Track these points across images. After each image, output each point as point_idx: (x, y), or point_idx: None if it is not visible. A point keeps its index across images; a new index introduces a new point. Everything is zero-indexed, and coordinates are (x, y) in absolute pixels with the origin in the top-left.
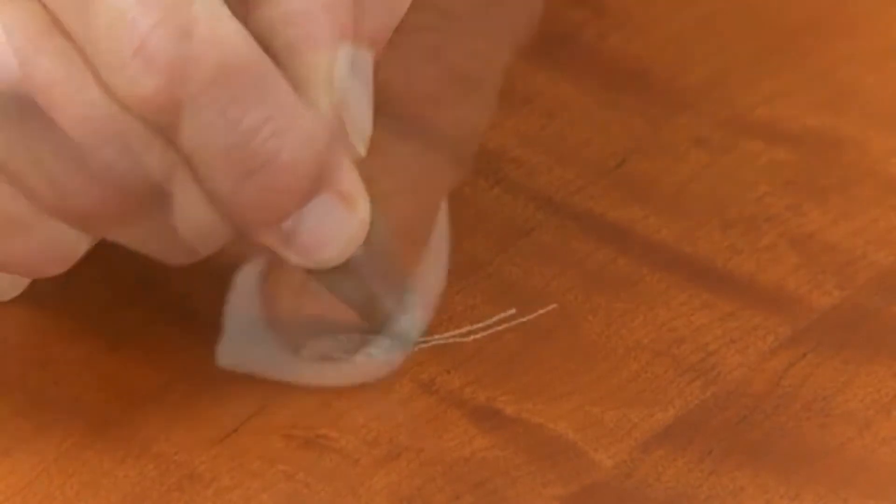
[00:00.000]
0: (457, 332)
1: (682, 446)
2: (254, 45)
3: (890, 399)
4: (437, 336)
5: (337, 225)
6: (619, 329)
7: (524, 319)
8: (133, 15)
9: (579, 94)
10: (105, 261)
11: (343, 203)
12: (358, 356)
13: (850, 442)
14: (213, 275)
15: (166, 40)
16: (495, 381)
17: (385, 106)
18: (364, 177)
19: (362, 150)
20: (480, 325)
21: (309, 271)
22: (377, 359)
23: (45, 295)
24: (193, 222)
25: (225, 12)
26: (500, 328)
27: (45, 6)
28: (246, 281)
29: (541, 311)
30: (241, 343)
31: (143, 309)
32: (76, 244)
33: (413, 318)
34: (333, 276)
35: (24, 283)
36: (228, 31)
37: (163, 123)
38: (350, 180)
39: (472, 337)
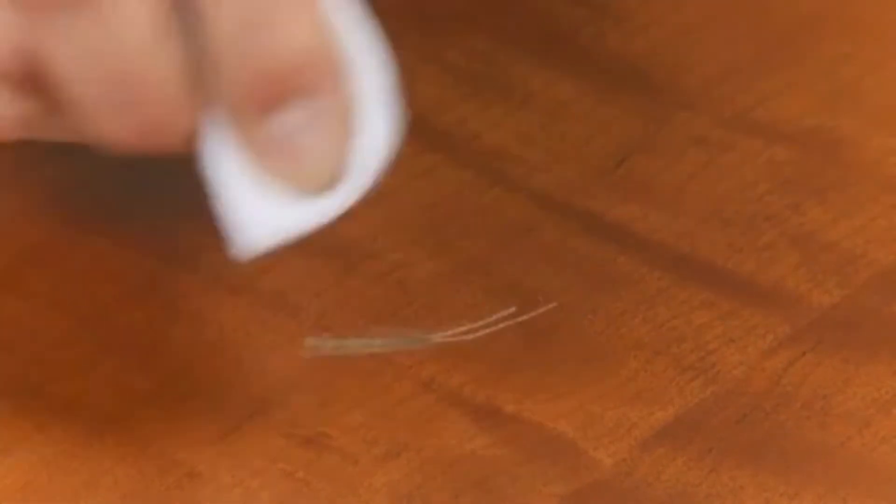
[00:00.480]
0: (457, 330)
1: (682, 445)
2: None
3: (890, 398)
4: (436, 335)
5: (314, 140)
6: (618, 328)
7: (524, 318)
8: None
9: (579, 94)
10: (105, 260)
11: (325, 121)
12: None
13: (850, 441)
14: (214, 275)
15: None
16: (495, 380)
17: None
18: None
19: None
20: (480, 323)
21: None
22: None
23: (45, 295)
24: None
25: None
26: (499, 327)
27: None
28: (219, 162)
29: (541, 310)
30: (253, 220)
31: (143, 309)
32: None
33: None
34: None
35: None
36: None
37: None
38: (341, 107)
39: (471, 336)
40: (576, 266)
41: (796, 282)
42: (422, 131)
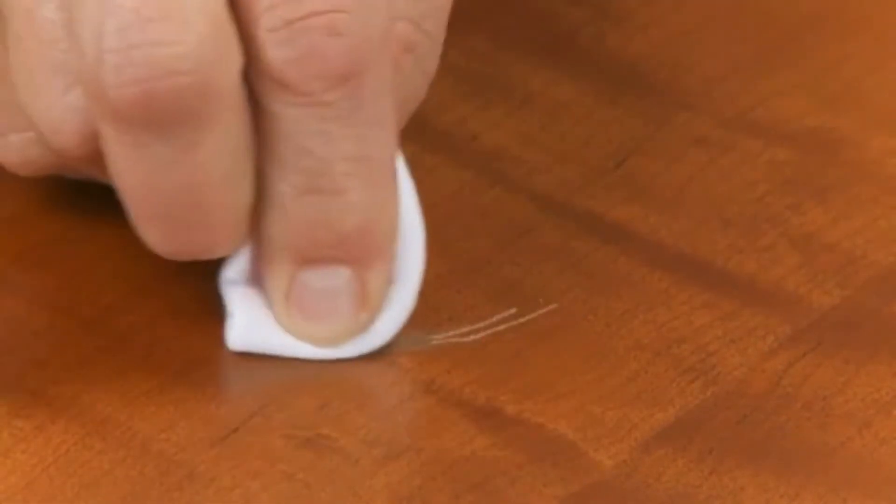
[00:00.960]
0: (457, 331)
1: (683, 446)
2: None
3: (890, 399)
4: (437, 335)
5: (340, 305)
6: (619, 329)
7: (524, 319)
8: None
9: (579, 94)
10: (105, 260)
11: (359, 298)
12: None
13: (850, 441)
14: (214, 276)
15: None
16: (495, 380)
17: None
18: None
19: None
20: (481, 324)
21: None
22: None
23: (45, 294)
24: None
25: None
26: (500, 328)
27: None
28: (238, 269)
29: (541, 311)
30: (250, 326)
31: (144, 308)
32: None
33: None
34: None
35: None
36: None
37: None
38: (378, 285)
39: (472, 337)
40: (576, 267)
41: (797, 283)
42: (422, 131)
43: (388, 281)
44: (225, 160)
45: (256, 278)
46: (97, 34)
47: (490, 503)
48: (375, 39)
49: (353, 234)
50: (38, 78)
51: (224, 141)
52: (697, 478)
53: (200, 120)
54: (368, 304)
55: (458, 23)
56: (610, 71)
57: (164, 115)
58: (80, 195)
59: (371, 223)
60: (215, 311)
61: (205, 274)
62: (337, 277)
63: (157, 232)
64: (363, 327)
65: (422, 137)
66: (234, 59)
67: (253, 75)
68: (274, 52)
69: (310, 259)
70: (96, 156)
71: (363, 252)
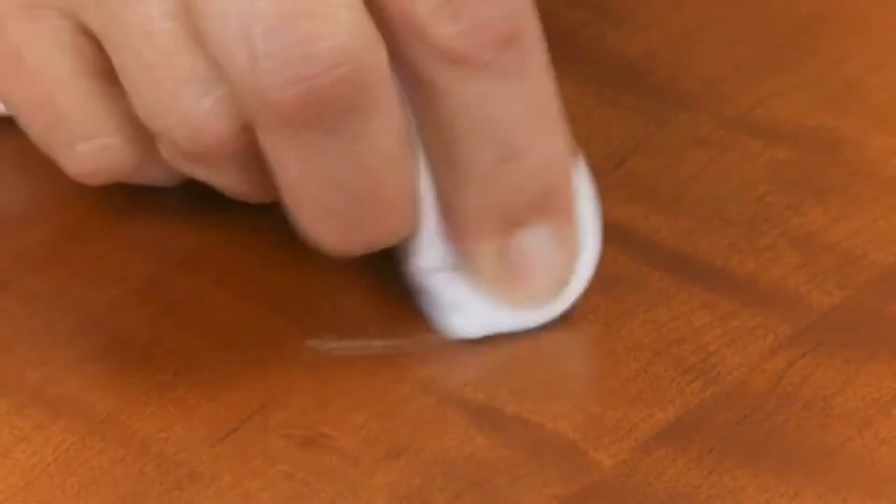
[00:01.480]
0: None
1: (683, 446)
2: None
3: (890, 398)
4: (437, 336)
5: (550, 260)
6: (619, 329)
7: None
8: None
9: (579, 94)
10: (106, 260)
11: (562, 242)
12: None
13: (850, 441)
14: (215, 276)
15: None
16: (495, 380)
17: None
18: None
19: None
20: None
21: None
22: None
23: (45, 294)
24: None
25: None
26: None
27: None
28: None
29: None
30: (480, 309)
31: (144, 308)
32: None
33: None
34: None
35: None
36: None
37: None
38: (572, 234)
39: (471, 336)
40: None
41: (797, 282)
42: None
43: (577, 228)
44: (392, 145)
45: (451, 260)
46: (245, 42)
47: (490, 503)
48: None
49: (547, 192)
50: (167, 90)
51: (388, 126)
52: (697, 477)
53: (363, 109)
54: (572, 254)
55: None
56: (610, 71)
57: (329, 109)
58: (81, 195)
59: (560, 177)
60: (215, 311)
61: (205, 273)
62: (541, 236)
63: (334, 230)
64: (571, 274)
65: None
66: (381, 46)
67: (417, 60)
68: (442, 29)
69: (515, 223)
70: (241, 158)
71: (557, 207)
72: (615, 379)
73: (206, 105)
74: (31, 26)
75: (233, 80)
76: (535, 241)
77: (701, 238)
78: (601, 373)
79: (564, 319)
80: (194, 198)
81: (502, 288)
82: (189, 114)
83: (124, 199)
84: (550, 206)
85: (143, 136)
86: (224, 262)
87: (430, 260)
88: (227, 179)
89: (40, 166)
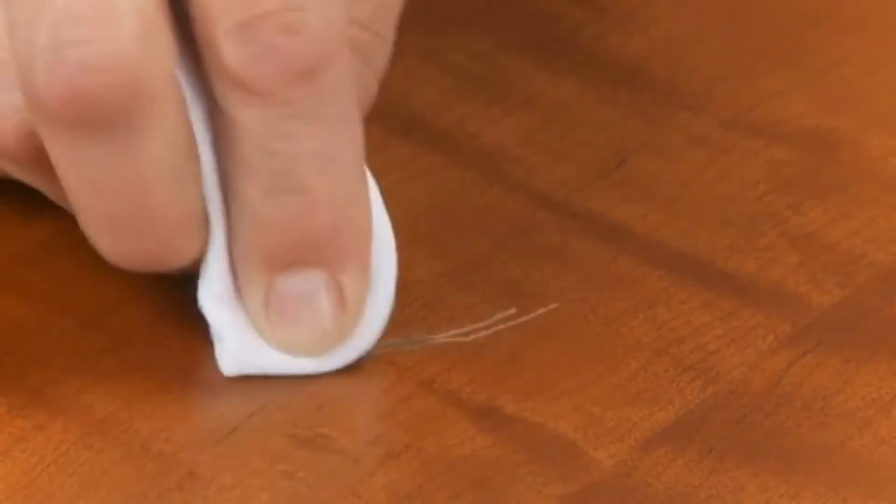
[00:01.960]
0: (457, 331)
1: (683, 446)
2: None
3: (890, 398)
4: (436, 335)
5: (317, 308)
6: (618, 328)
7: (524, 319)
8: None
9: (579, 94)
10: (105, 260)
11: (337, 301)
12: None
13: (850, 441)
14: None
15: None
16: (495, 380)
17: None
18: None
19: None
20: (480, 324)
21: None
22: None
23: (45, 294)
24: None
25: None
26: (500, 328)
27: None
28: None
29: (541, 311)
30: (241, 348)
31: (144, 308)
32: None
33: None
34: None
35: None
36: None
37: None
38: (356, 286)
39: (471, 336)
40: (576, 266)
41: (796, 282)
42: (422, 131)
43: (366, 282)
44: (167, 162)
45: (235, 293)
46: (29, 32)
47: (490, 502)
48: (335, 36)
49: (324, 233)
50: None
51: (163, 141)
52: (697, 477)
53: (134, 119)
54: (348, 307)
55: (458, 23)
56: (610, 71)
57: (96, 114)
58: None
59: (342, 221)
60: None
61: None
62: (313, 281)
63: (105, 238)
64: (346, 332)
65: (422, 137)
66: (166, 58)
67: (212, 79)
68: (231, 52)
69: (283, 263)
70: (33, 157)
71: (336, 252)
72: (615, 378)
73: (11, 98)
74: None
75: (17, 72)
76: (303, 286)
77: (701, 238)
78: (601, 372)
79: (564, 317)
80: None
81: (266, 331)
82: None
83: None
84: (327, 251)
85: None
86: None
87: (214, 289)
88: (33, 182)
89: None
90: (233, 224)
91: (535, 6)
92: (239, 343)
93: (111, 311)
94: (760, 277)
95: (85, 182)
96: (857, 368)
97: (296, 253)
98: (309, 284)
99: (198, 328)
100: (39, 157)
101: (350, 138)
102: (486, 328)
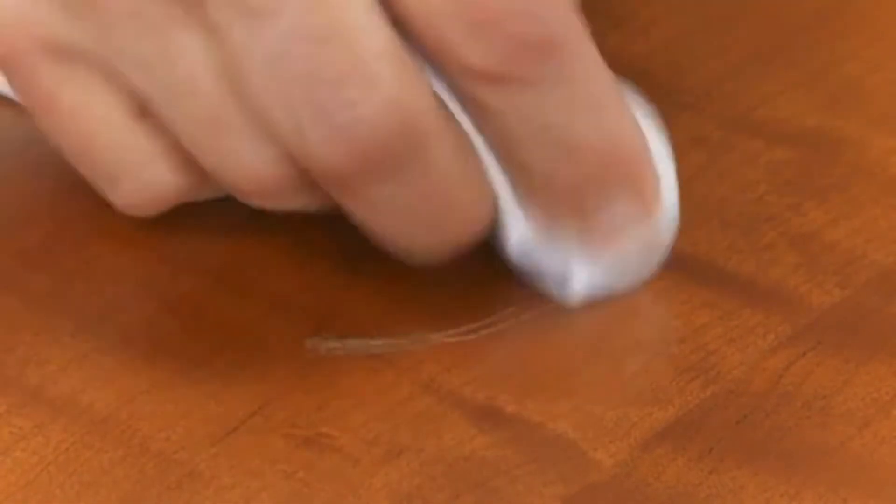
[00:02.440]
0: (457, 330)
1: (682, 445)
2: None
3: (890, 398)
4: (436, 335)
5: (632, 225)
6: (618, 328)
7: (524, 318)
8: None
9: None
10: (106, 260)
11: (643, 207)
12: None
13: (851, 441)
14: (214, 275)
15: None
16: (495, 380)
17: None
18: None
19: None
20: (480, 323)
21: None
22: None
23: (44, 293)
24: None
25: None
26: (500, 327)
27: None
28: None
29: (541, 310)
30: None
31: (144, 308)
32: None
33: None
34: None
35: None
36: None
37: None
38: (653, 189)
39: (471, 336)
40: None
41: (796, 282)
42: None
43: (658, 191)
44: (455, 163)
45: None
46: (289, 109)
47: (490, 502)
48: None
49: (613, 169)
50: (222, 144)
51: (445, 151)
52: (697, 477)
53: (418, 152)
54: (649, 209)
55: None
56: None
57: (384, 164)
58: (81, 195)
59: (627, 155)
60: (215, 311)
61: (205, 273)
62: (617, 211)
63: (420, 246)
64: (657, 237)
65: None
66: (424, 84)
67: (458, 81)
68: (475, 52)
69: (589, 208)
70: (291, 190)
71: (627, 179)
72: (615, 378)
73: (262, 157)
74: (62, 71)
75: (284, 143)
76: (614, 218)
77: (701, 238)
78: (601, 372)
79: (564, 316)
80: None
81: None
82: (247, 165)
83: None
84: (620, 182)
85: (188, 164)
86: (224, 261)
87: (524, 244)
88: (289, 206)
89: (40, 165)
90: (528, 188)
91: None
92: (587, 270)
93: (111, 311)
94: (760, 277)
95: (385, 216)
96: (857, 368)
97: (596, 195)
98: (618, 216)
99: (198, 327)
100: (297, 189)
101: (606, 81)
102: (486, 327)
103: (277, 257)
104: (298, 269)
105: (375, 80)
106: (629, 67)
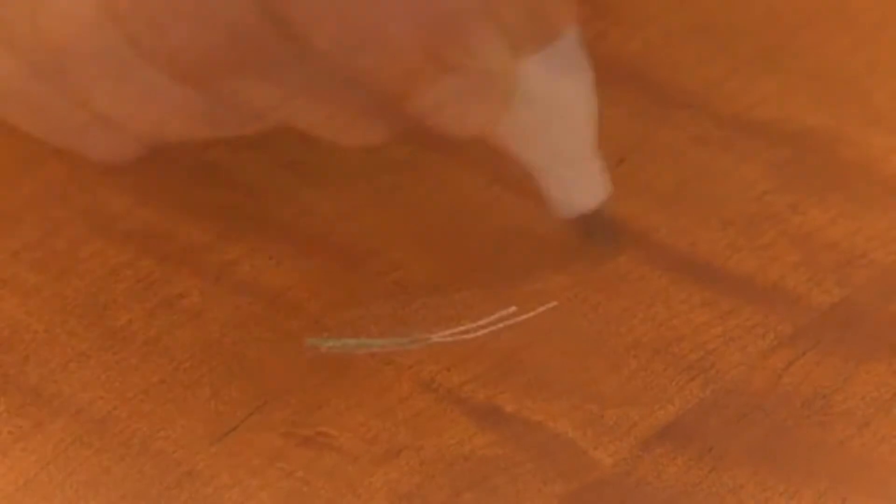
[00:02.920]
0: (456, 329)
1: (682, 444)
2: None
3: (889, 397)
4: (436, 334)
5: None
6: (618, 327)
7: (524, 317)
8: None
9: None
10: (105, 260)
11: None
12: None
13: (850, 440)
14: (214, 274)
15: None
16: (495, 379)
17: None
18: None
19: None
20: (480, 322)
21: None
22: None
23: (44, 292)
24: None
25: None
26: (499, 326)
27: None
28: None
29: (540, 309)
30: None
31: (142, 306)
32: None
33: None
34: None
35: None
36: None
37: None
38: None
39: (471, 335)
40: (575, 265)
41: (796, 281)
42: (422, 131)
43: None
44: None
45: None
46: None
47: (489, 501)
48: None
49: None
50: None
51: None
52: (697, 476)
53: None
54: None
55: None
56: (610, 70)
57: None
58: (80, 196)
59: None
60: (214, 309)
61: (205, 273)
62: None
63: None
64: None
65: (422, 137)
66: None
67: None
68: None
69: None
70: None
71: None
72: (615, 377)
73: None
74: None
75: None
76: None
77: (700, 237)
78: (601, 371)
79: (563, 316)
80: (195, 195)
81: None
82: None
83: (124, 197)
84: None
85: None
86: (223, 259)
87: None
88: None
89: (40, 167)
90: None
91: None
92: None
93: (111, 311)
94: (760, 276)
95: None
96: (856, 367)
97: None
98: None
99: (197, 326)
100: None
101: None
102: (485, 327)
103: (277, 255)
104: (298, 269)
105: None
106: (629, 67)
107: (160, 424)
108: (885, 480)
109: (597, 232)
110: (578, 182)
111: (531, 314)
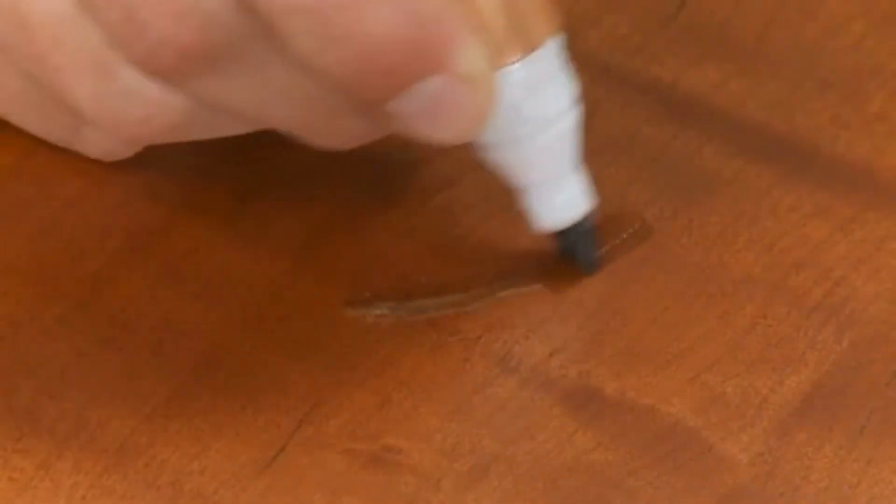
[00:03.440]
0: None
1: (828, 426)
2: None
3: None
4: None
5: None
6: (721, 255)
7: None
8: None
9: None
10: (101, 255)
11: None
12: None
13: None
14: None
15: None
16: (584, 345)
17: None
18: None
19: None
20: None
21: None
22: None
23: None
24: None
25: None
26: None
27: None
28: None
29: (625, 236)
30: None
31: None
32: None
33: None
34: None
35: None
36: None
37: None
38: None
39: (538, 287)
40: (653, 165)
41: None
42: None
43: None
44: None
45: None
46: None
47: None
48: None
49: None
50: None
51: None
52: (853, 472)
53: None
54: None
55: None
56: None
57: None
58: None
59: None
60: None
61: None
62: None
63: None
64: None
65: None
66: None
67: None
68: None
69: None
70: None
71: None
72: (728, 331)
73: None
74: None
75: None
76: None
77: (796, 108)
78: (710, 325)
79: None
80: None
81: None
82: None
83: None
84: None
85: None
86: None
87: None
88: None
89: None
90: None
91: None
92: None
93: (109, 309)
94: (878, 164)
95: None
96: None
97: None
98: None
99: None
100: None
101: None
102: (556, 277)
103: (307, 220)
104: (325, 230)
105: None
106: None
107: (191, 451)
108: None
109: (578, 246)
110: (560, 195)
111: (617, 241)
